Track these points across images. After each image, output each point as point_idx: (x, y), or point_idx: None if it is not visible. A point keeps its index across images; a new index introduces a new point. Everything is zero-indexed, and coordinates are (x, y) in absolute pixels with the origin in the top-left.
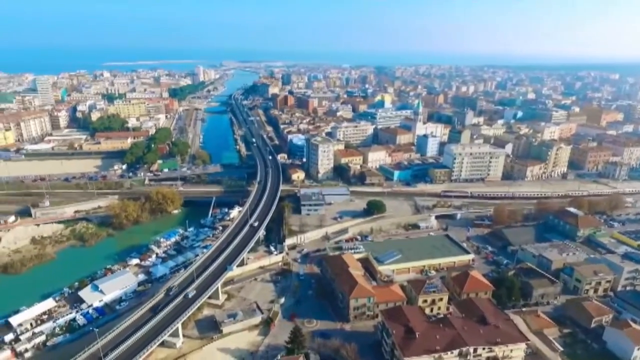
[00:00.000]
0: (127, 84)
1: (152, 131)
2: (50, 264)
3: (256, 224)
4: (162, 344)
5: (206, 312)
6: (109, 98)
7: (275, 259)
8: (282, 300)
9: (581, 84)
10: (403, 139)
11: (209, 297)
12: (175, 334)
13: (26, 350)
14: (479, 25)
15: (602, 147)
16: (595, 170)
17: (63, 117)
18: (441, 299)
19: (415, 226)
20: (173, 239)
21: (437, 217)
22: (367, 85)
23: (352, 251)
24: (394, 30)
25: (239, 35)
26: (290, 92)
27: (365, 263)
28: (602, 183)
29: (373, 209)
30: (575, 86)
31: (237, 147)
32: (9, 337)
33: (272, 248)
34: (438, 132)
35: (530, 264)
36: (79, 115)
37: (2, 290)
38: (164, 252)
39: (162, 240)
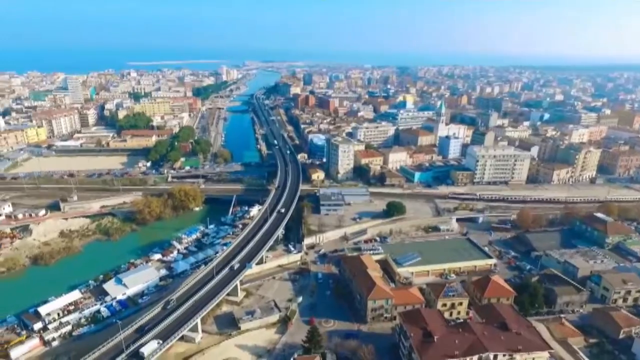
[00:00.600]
0: (152, 83)
1: (176, 130)
2: (77, 256)
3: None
4: (182, 339)
5: (225, 308)
6: (135, 97)
7: (294, 258)
8: (300, 299)
9: (613, 86)
10: (425, 140)
11: (228, 294)
12: (194, 329)
13: (53, 339)
14: (505, 25)
15: (634, 150)
16: (626, 175)
17: (91, 115)
18: (461, 304)
19: (436, 229)
20: (194, 236)
21: (458, 220)
22: (389, 86)
23: (371, 252)
24: (417, 31)
25: (262, 35)
26: (312, 92)
27: (383, 265)
28: (635, 189)
29: (393, 210)
30: (606, 87)
31: (258, 146)
32: (37, 325)
33: (290, 247)
34: (461, 133)
35: (554, 271)
36: (106, 113)
37: (32, 280)
38: (185, 248)
39: (183, 236)
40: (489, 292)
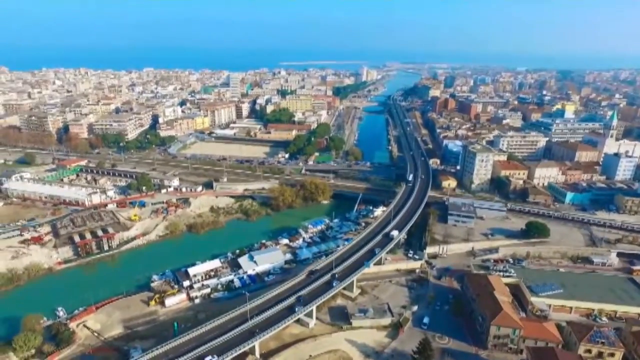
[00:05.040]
0: (298, 82)
1: (314, 126)
2: (220, 230)
3: (395, 232)
4: (298, 321)
5: (339, 301)
6: (282, 93)
7: (413, 264)
8: (415, 308)
9: None
10: (584, 156)
11: (344, 288)
12: (309, 315)
13: (196, 297)
14: None
15: None
16: None
17: (245, 108)
18: (613, 355)
19: (587, 260)
20: (319, 227)
21: (619, 255)
22: (544, 92)
23: (501, 274)
24: (589, 28)
25: (404, 37)
26: (452, 96)
27: (514, 290)
28: None
29: (533, 231)
30: None
31: (390, 147)
32: (186, 283)
33: (411, 253)
34: (637, 152)
35: None
36: (257, 107)
37: (186, 244)
38: (310, 237)
39: (309, 226)
40: None
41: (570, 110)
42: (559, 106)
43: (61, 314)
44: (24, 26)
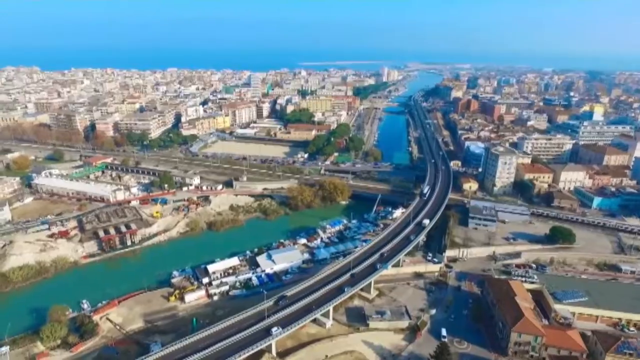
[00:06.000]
0: (318, 82)
1: (334, 126)
2: (239, 228)
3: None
4: (314, 321)
5: (356, 302)
6: (303, 94)
7: (432, 267)
8: (433, 311)
9: None
10: (614, 160)
11: (361, 290)
12: (326, 315)
13: (215, 294)
14: None
15: None
16: None
17: (265, 108)
18: None
19: (615, 268)
20: (337, 227)
21: None
22: (572, 93)
23: (523, 279)
24: (620, 28)
25: (425, 37)
26: (475, 97)
27: (536, 296)
28: None
29: (558, 236)
30: None
31: (410, 148)
32: (205, 280)
33: (430, 256)
34: None
35: None
36: (277, 107)
37: (205, 242)
38: (328, 238)
39: (327, 226)
40: None
41: (599, 112)
42: (587, 108)
43: (85, 306)
44: (23, 27)
